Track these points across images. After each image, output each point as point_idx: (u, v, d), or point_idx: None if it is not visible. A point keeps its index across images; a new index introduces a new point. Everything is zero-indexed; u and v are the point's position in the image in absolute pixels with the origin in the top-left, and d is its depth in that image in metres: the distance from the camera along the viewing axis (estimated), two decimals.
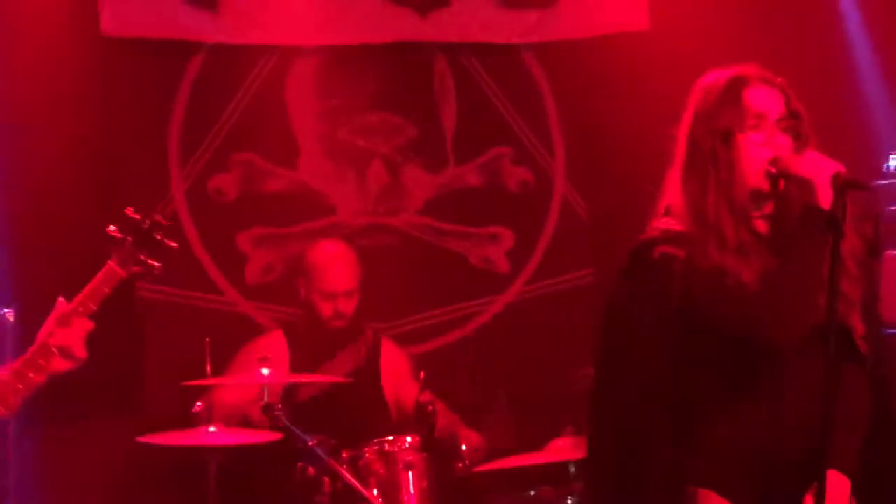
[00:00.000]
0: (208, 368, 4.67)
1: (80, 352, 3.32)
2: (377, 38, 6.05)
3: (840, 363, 2.83)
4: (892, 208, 5.22)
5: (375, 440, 4.77)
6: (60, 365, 3.32)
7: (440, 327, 6.08)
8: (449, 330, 6.10)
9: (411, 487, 4.70)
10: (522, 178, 6.28)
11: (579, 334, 6.02)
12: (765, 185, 2.98)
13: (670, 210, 3.07)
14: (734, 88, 3.03)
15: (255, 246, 5.96)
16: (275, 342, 5.28)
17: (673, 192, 3.08)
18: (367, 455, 4.73)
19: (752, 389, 2.95)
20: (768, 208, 3.03)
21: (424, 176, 6.20)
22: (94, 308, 3.35)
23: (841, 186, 2.85)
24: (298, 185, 6.07)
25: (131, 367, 5.65)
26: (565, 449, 4.85)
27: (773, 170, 2.96)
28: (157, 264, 3.45)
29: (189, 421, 4.59)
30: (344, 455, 4.69)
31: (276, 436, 4.61)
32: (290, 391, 5.09)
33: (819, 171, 2.88)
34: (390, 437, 4.79)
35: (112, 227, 3.43)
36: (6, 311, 5.12)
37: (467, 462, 4.80)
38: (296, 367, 5.16)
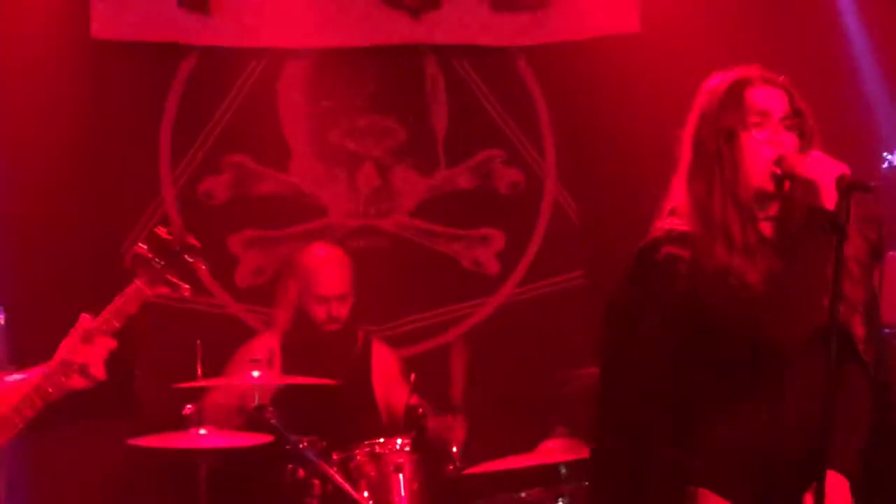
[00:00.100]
0: (199, 370, 4.67)
1: (99, 372, 3.28)
2: (369, 41, 6.06)
3: (841, 365, 2.84)
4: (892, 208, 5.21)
5: (366, 442, 4.77)
6: (77, 383, 3.29)
7: (431, 329, 6.09)
8: (440, 332, 6.10)
9: (402, 489, 4.71)
10: (513, 180, 6.28)
11: (570, 336, 6.02)
12: (770, 186, 2.99)
13: (675, 211, 3.08)
14: (737, 88, 3.03)
15: (245, 248, 5.96)
16: (267, 344, 5.27)
17: (678, 193, 3.08)
18: (357, 457, 4.73)
19: (754, 390, 2.96)
20: (773, 210, 3.04)
21: (415, 178, 6.20)
22: (118, 326, 3.30)
23: (846, 188, 2.85)
24: (289, 188, 6.07)
25: (123, 369, 5.64)
26: (556, 450, 4.86)
27: (778, 170, 2.97)
28: (186, 286, 3.40)
29: (180, 423, 4.59)
30: (335, 457, 4.70)
31: (266, 438, 4.61)
32: (281, 393, 5.08)
33: (824, 171, 2.88)
34: (381, 440, 4.79)
35: (141, 246, 3.38)
36: None
37: (458, 464, 4.81)
38: (287, 370, 5.16)
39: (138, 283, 3.33)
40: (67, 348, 3.28)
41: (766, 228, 3.04)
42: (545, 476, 4.88)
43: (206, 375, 4.72)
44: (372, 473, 4.70)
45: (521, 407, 5.78)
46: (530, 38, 6.20)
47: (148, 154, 5.89)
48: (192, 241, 3.41)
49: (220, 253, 5.88)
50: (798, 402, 2.94)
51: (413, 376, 4.84)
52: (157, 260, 3.35)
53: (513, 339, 6.12)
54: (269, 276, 5.92)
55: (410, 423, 4.78)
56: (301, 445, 4.59)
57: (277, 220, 6.02)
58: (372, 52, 6.08)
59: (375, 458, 4.72)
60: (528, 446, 4.95)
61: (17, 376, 3.38)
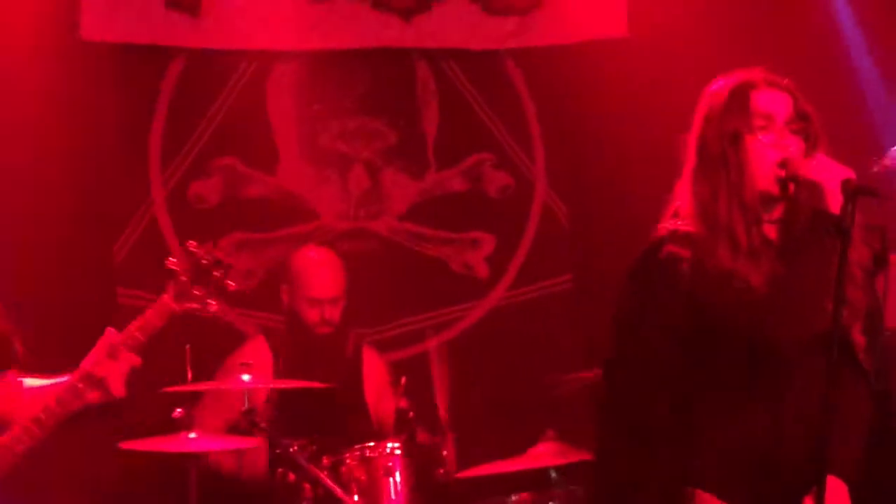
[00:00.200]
0: (189, 375, 4.66)
1: (119, 389, 3.25)
2: (359, 44, 6.05)
3: (842, 369, 2.84)
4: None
5: (357, 446, 4.76)
6: (95, 397, 3.26)
7: (421, 333, 6.07)
8: (430, 336, 6.08)
9: (392, 493, 4.70)
10: (503, 183, 6.29)
11: (560, 340, 6.03)
12: (774, 189, 2.99)
13: (679, 213, 3.08)
14: (741, 92, 3.04)
15: (235, 251, 5.95)
16: (258, 348, 5.26)
17: (682, 195, 3.09)
18: (348, 461, 4.72)
19: (754, 391, 2.97)
20: (778, 213, 3.04)
21: (406, 181, 6.20)
22: (143, 340, 3.26)
23: (851, 192, 2.84)
24: (279, 191, 6.06)
25: None
26: (546, 454, 4.86)
27: (783, 173, 2.97)
28: (214, 303, 3.36)
29: (171, 427, 4.57)
30: (325, 461, 4.69)
31: (256, 442, 4.61)
32: (271, 397, 5.08)
33: (829, 175, 2.89)
34: (371, 443, 4.79)
35: (171, 260, 3.35)
36: None
37: (448, 468, 4.80)
38: (279, 374, 5.15)
39: (166, 297, 3.29)
40: (92, 361, 3.24)
41: (771, 231, 3.05)
42: (535, 480, 4.88)
43: (197, 380, 4.71)
44: (362, 477, 4.70)
45: (511, 411, 5.78)
46: (520, 42, 6.20)
47: (138, 156, 5.88)
48: (222, 256, 3.38)
49: None
50: (798, 405, 2.95)
51: (403, 380, 4.83)
52: (184, 274, 3.30)
53: (503, 343, 6.12)
54: (260, 279, 5.91)
55: (401, 427, 4.77)
56: (291, 449, 4.58)
57: (267, 223, 6.01)
58: (362, 54, 6.08)
59: (366, 461, 4.71)
60: (518, 450, 4.94)
61: (32, 381, 3.34)
